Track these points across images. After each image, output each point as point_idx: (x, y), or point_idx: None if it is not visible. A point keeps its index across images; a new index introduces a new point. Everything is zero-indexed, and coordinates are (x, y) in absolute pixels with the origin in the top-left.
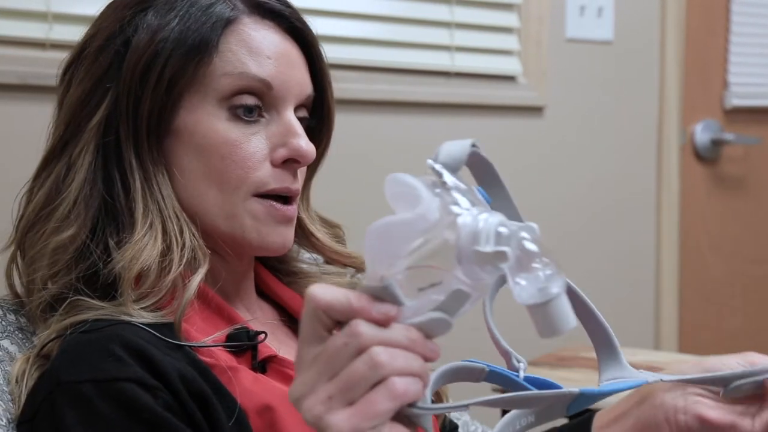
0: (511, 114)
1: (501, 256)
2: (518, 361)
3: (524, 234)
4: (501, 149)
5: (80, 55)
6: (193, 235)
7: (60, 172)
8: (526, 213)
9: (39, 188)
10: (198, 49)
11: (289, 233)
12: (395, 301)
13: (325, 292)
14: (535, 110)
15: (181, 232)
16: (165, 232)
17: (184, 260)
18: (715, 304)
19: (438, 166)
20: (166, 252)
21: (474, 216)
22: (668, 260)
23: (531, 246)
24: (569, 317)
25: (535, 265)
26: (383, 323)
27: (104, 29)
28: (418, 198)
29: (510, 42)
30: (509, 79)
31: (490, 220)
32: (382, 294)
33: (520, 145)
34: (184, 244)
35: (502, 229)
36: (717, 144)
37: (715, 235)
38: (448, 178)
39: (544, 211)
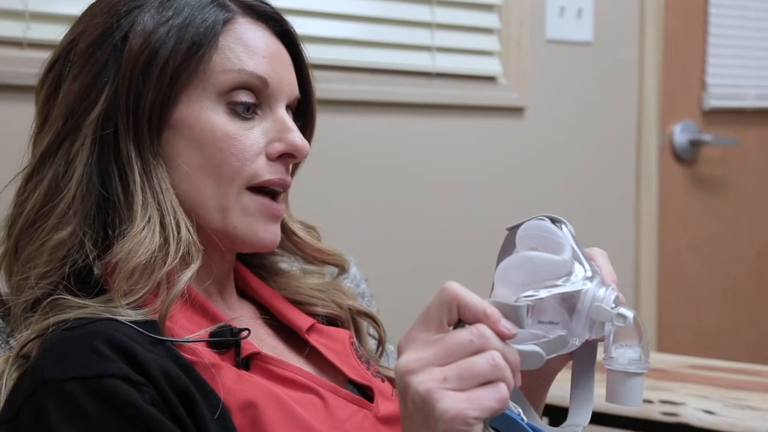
0: (491, 114)
1: (621, 317)
2: (515, 408)
3: (634, 312)
4: (482, 150)
5: (68, 52)
6: (188, 230)
7: (58, 169)
8: (508, 213)
9: (37, 185)
10: (199, 45)
11: (277, 230)
12: (519, 322)
13: (465, 291)
14: (516, 111)
15: (178, 226)
16: (163, 225)
17: (180, 254)
18: (694, 303)
19: (569, 230)
20: (163, 245)
21: (597, 281)
22: (647, 260)
23: (640, 323)
24: (640, 396)
25: (634, 340)
26: (503, 338)
27: (96, 25)
28: (561, 246)
29: (491, 43)
30: (490, 79)
31: (609, 289)
32: (511, 312)
33: (500, 146)
34: (180, 239)
35: (619, 302)
36: (695, 145)
37: (693, 236)
38: (575, 245)
39: (524, 210)
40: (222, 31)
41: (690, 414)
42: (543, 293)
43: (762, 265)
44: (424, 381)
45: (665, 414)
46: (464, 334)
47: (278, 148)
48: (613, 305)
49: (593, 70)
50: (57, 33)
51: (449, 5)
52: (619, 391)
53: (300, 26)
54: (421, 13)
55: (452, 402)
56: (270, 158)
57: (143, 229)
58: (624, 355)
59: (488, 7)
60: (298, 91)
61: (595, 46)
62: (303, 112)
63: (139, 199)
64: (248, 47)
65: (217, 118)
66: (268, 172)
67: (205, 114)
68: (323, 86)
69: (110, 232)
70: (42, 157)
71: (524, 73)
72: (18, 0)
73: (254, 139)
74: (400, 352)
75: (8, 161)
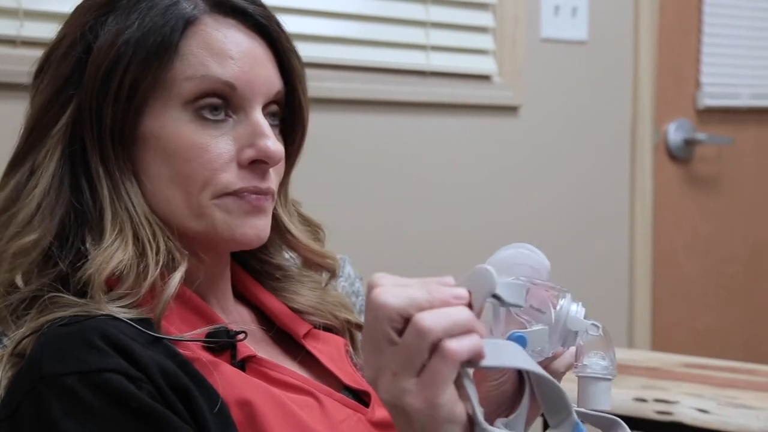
0: (486, 113)
1: (595, 327)
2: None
3: (603, 324)
4: (476, 148)
5: (48, 60)
6: (168, 237)
7: (21, 178)
8: (502, 211)
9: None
10: (158, 53)
11: (261, 224)
12: (520, 300)
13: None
14: (510, 109)
15: (154, 236)
16: (137, 238)
17: (161, 263)
18: (688, 302)
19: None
20: (140, 257)
21: (569, 297)
22: (642, 259)
23: (608, 334)
24: (610, 399)
25: (604, 350)
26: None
27: (69, 35)
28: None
29: (485, 41)
30: (484, 78)
31: (580, 305)
32: (514, 290)
33: (495, 145)
34: (158, 249)
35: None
36: (690, 144)
37: (687, 234)
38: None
39: (519, 209)
40: (185, 34)
41: (684, 413)
42: (539, 282)
43: (756, 264)
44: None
45: (659, 413)
46: (412, 342)
47: (249, 154)
48: (585, 318)
49: (588, 69)
50: (50, 31)
51: (444, 4)
52: (592, 395)
53: (293, 25)
54: (416, 11)
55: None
56: (242, 165)
57: (114, 242)
58: (596, 363)
59: (483, 6)
60: (279, 85)
61: (589, 45)
62: (290, 103)
63: (108, 213)
64: (213, 50)
65: (183, 128)
66: (239, 181)
67: (170, 124)
68: (317, 85)
69: (82, 246)
70: (10, 166)
71: (519, 71)
72: None
73: (223, 147)
74: (374, 384)
75: (3, 158)
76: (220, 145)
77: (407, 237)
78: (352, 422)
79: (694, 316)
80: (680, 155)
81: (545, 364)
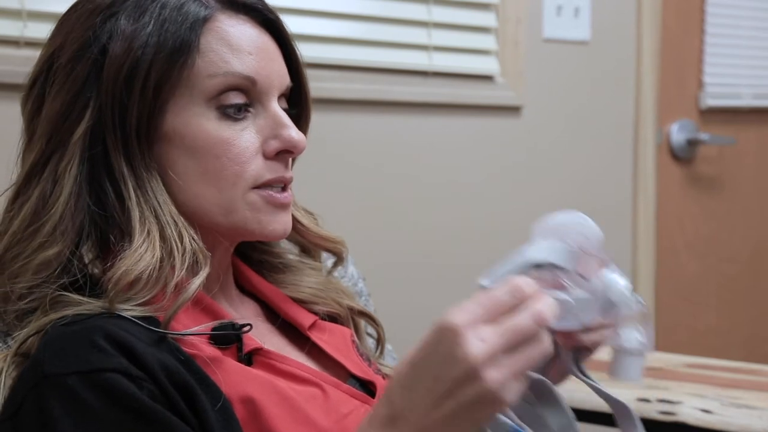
0: (488, 114)
1: (636, 302)
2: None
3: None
4: (478, 149)
5: (50, 66)
6: (193, 238)
7: (45, 187)
8: (504, 212)
9: (23, 204)
10: (180, 51)
11: (287, 218)
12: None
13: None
14: (513, 110)
15: (181, 237)
16: (164, 238)
17: (186, 264)
18: (690, 302)
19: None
20: (166, 258)
21: (618, 271)
22: (644, 259)
23: (648, 313)
24: (641, 373)
25: (643, 325)
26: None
27: (74, 39)
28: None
29: (487, 42)
30: (487, 78)
31: (626, 279)
32: (567, 256)
33: (497, 145)
34: (185, 249)
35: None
36: (692, 144)
37: (690, 235)
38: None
39: (521, 209)
40: (202, 32)
41: (687, 413)
42: (589, 250)
43: (758, 264)
44: (495, 378)
45: (662, 413)
46: (529, 324)
47: (275, 146)
48: (630, 293)
49: (590, 69)
50: None
51: (446, 4)
52: (624, 366)
53: (295, 25)
54: (418, 12)
55: (511, 395)
56: (267, 157)
57: (142, 243)
58: (633, 337)
59: (485, 6)
60: (289, 80)
61: (592, 46)
62: (297, 99)
63: (136, 214)
64: (232, 46)
65: (208, 124)
66: (267, 172)
67: (195, 121)
68: (318, 85)
69: (111, 246)
70: (28, 176)
71: (521, 72)
72: None
73: (249, 140)
74: (457, 333)
75: (4, 160)
76: (245, 138)
77: (409, 237)
78: (358, 414)
79: (696, 316)
80: (683, 155)
81: (576, 335)
